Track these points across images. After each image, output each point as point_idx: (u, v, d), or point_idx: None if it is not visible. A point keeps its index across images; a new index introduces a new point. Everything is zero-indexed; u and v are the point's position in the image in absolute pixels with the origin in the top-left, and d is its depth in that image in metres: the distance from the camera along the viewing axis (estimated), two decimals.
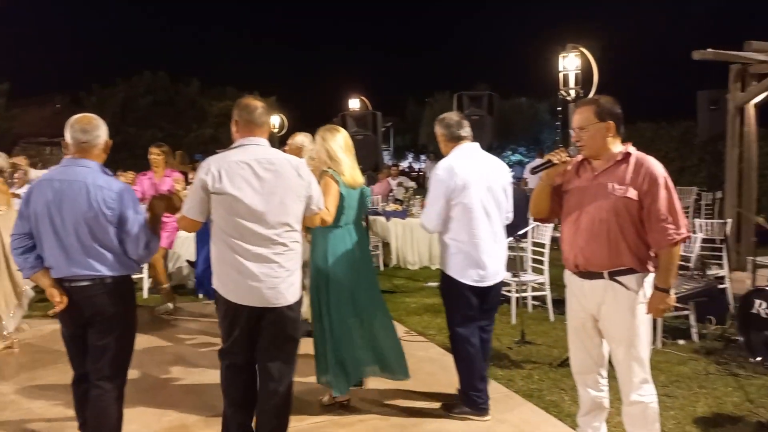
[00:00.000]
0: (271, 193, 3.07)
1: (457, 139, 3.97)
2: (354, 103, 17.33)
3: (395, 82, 38.88)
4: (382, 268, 9.26)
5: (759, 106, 8.33)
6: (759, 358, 4.81)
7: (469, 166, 3.87)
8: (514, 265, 6.17)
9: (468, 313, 3.92)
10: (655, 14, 24.41)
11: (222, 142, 19.50)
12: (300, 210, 3.20)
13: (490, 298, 3.99)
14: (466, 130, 3.99)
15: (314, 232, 4.05)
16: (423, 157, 39.99)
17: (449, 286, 3.93)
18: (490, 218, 3.88)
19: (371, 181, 13.15)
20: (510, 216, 4.11)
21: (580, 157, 3.20)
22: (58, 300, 3.02)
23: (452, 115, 4.06)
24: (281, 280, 3.08)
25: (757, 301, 4.97)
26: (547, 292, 6.32)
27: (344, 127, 7.30)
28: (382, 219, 9.40)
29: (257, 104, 3.18)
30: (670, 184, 3.03)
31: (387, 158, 37.77)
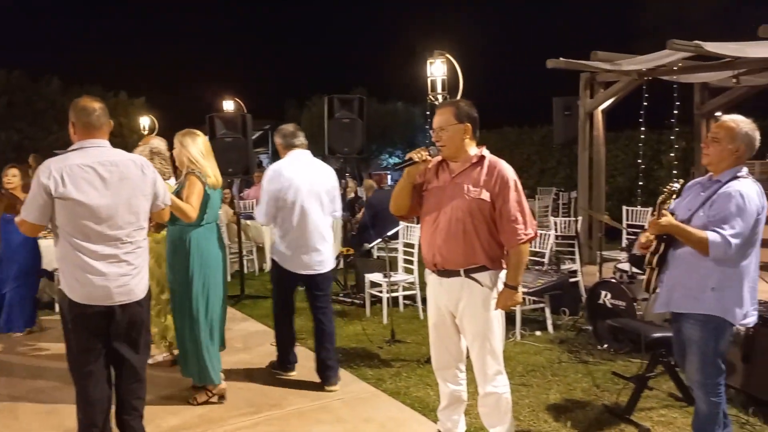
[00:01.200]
0: (116, 195, 3.05)
1: (291, 147, 4.56)
2: (228, 105, 16.90)
3: (275, 85, 38.27)
4: (257, 272, 9.10)
5: (606, 112, 9.06)
6: (605, 345, 5.21)
7: (297, 169, 4.46)
8: (384, 265, 6.30)
9: (291, 298, 4.69)
10: (519, 24, 25.88)
11: None
12: (147, 207, 3.24)
13: (320, 285, 4.58)
14: (300, 140, 4.59)
15: (175, 231, 4.18)
16: None
17: (279, 274, 4.56)
18: (314, 215, 4.45)
19: (247, 184, 12.91)
20: (337, 215, 4.79)
21: (440, 158, 3.32)
22: None
23: (288, 127, 4.66)
24: (131, 278, 3.12)
25: (603, 292, 5.39)
26: (417, 291, 6.50)
27: (212, 129, 7.13)
28: (256, 222, 9.23)
29: (95, 105, 3.13)
30: (520, 186, 3.22)
31: (266, 161, 37.16)
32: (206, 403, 4.22)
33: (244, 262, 8.48)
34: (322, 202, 4.50)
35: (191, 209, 3.92)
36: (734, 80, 8.11)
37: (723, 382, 3.12)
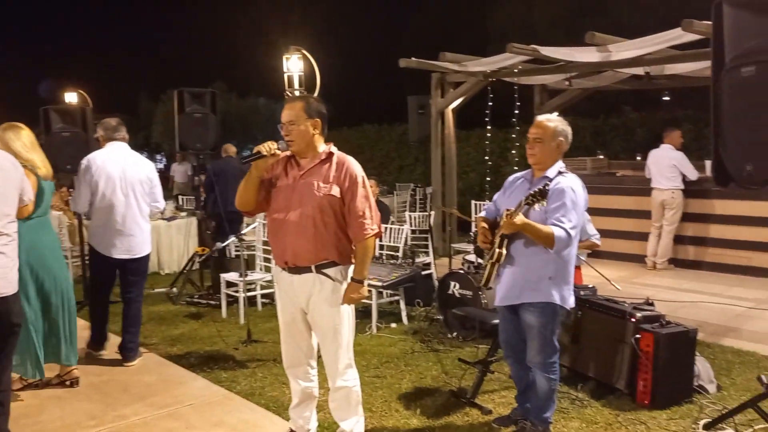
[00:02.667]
0: None
1: (111, 139, 4.97)
2: (71, 97, 15.70)
3: (128, 78, 36.06)
4: None
5: (456, 111, 9.49)
6: (455, 334, 5.47)
7: (111, 159, 4.85)
8: (239, 264, 6.17)
9: (106, 281, 5.02)
10: (381, 25, 26.36)
11: None
12: (17, 201, 3.34)
13: (133, 270, 4.97)
14: (121, 134, 5.01)
15: None
16: (159, 157, 37.94)
17: (95, 259, 4.95)
18: (128, 204, 4.84)
19: None
20: (158, 205, 5.17)
21: (288, 154, 3.29)
22: None
23: (111, 121, 5.04)
24: (9, 269, 3.18)
25: (452, 283, 5.66)
26: (276, 289, 6.42)
27: (47, 123, 6.59)
28: None
29: None
30: (367, 183, 3.29)
31: None
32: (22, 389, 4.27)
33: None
34: (136, 191, 4.89)
35: (31, 204, 3.87)
36: (567, 83, 8.81)
37: (558, 361, 3.44)
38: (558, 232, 3.18)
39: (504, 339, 3.67)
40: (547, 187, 3.23)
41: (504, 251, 3.38)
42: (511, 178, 3.68)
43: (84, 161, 4.85)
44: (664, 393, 3.90)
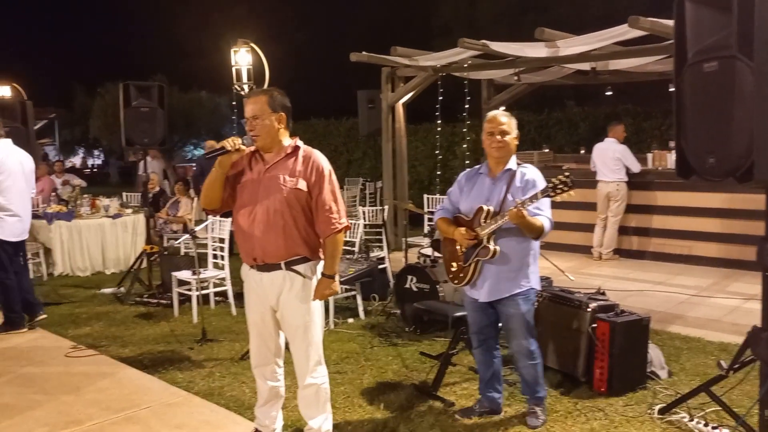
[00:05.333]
0: None
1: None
2: (4, 91, 15.03)
3: (61, 71, 34.56)
4: (45, 278, 8.22)
5: (406, 105, 9.52)
6: (413, 327, 5.50)
7: (7, 153, 5.56)
8: (192, 262, 6.03)
9: (12, 258, 5.67)
10: (327, 19, 26.14)
11: None
12: None
13: (21, 250, 5.90)
14: (2, 131, 5.67)
15: None
16: (97, 153, 36.50)
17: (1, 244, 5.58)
18: (23, 193, 5.63)
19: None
20: (33, 192, 6.04)
21: (253, 148, 3.23)
22: None
23: None
24: None
25: (409, 277, 5.68)
26: (229, 287, 6.32)
27: None
28: (43, 222, 8.31)
29: None
30: (334, 177, 3.26)
31: (53, 154, 33.50)
32: None
33: (30, 266, 7.60)
34: (27, 180, 5.73)
35: None
36: (516, 78, 8.96)
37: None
38: (545, 222, 3.36)
39: (476, 330, 3.71)
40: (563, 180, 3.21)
41: (498, 248, 3.43)
42: (464, 174, 3.74)
43: None
44: (620, 380, 4.03)
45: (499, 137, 3.49)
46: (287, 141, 3.22)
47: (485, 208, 3.43)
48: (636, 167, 7.88)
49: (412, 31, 19.84)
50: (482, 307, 3.63)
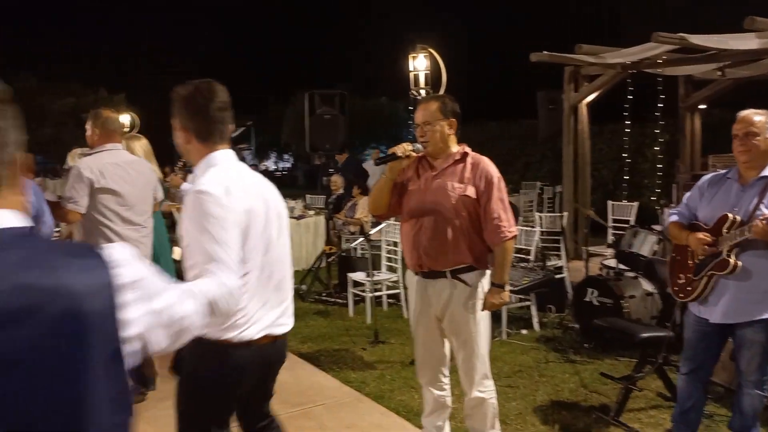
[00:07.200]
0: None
1: None
2: None
3: (256, 81, 37.89)
4: None
5: (590, 105, 8.99)
6: (592, 344, 5.12)
7: None
8: (367, 264, 6.17)
9: None
10: (503, 17, 25.82)
11: (65, 142, 17.90)
12: (153, 200, 4.10)
13: None
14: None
15: None
16: (287, 156, 39.34)
17: None
18: None
19: None
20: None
21: (421, 155, 3.19)
22: None
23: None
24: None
25: (590, 290, 5.31)
26: (401, 290, 6.38)
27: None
28: None
29: (115, 116, 3.94)
30: (503, 184, 3.13)
31: (249, 158, 36.76)
32: None
33: None
34: None
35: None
36: (719, 73, 8.05)
37: None
38: None
39: (690, 355, 3.24)
40: None
41: (740, 263, 2.97)
42: (707, 178, 3.25)
43: None
44: None
45: (742, 141, 3.00)
46: (455, 147, 3.15)
47: (731, 216, 2.97)
48: None
49: (593, 26, 18.85)
50: (709, 331, 3.12)
